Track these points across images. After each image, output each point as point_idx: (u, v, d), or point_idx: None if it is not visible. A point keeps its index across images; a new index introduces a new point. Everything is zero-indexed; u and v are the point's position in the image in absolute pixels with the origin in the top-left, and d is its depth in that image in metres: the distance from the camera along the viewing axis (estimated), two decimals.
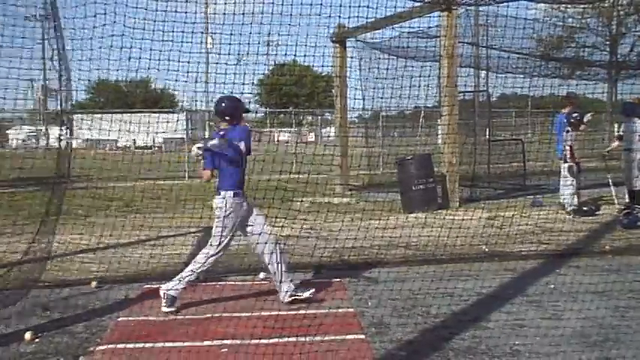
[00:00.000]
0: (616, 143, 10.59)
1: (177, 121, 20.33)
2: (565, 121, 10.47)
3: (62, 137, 5.21)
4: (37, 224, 6.19)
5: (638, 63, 22.28)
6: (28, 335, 4.62)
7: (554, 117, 11.79)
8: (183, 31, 5.49)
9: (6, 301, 5.15)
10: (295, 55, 5.84)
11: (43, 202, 5.77)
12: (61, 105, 5.27)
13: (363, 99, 14.31)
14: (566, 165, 10.22)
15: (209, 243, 5.32)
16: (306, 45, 5.66)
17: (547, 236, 8.31)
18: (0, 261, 6.72)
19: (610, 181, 10.38)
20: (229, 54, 5.68)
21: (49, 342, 4.59)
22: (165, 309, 5.21)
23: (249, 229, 5.36)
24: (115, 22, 5.23)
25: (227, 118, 5.39)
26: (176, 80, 5.88)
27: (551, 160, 11.77)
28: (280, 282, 5.41)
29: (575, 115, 10.30)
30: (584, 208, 10.16)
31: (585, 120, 10.16)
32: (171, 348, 4.36)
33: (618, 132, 10.81)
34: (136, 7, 5.32)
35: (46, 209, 5.35)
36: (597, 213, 10.16)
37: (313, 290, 5.44)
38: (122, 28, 5.37)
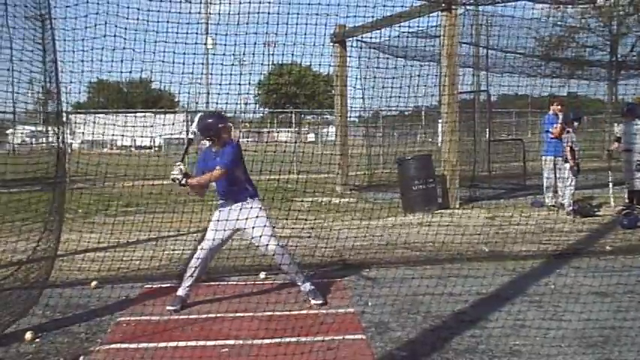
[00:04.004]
0: (615, 145, 10.61)
1: (175, 123, 20.35)
2: (546, 121, 10.68)
3: (60, 137, 5.21)
4: (38, 224, 6.19)
5: (638, 63, 22.29)
6: (28, 335, 4.62)
7: (542, 117, 11.87)
8: (177, 30, 5.47)
9: (21, 303, 5.14)
10: (294, 55, 5.82)
11: (44, 202, 5.76)
12: (59, 105, 5.26)
13: (363, 99, 14.34)
14: (567, 165, 10.24)
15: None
16: (303, 44, 5.67)
17: (547, 236, 8.30)
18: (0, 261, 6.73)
19: (610, 181, 10.38)
20: (232, 54, 5.66)
21: (49, 342, 4.59)
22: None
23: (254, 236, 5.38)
24: (106, 22, 5.22)
25: (212, 136, 5.36)
26: (171, 82, 5.90)
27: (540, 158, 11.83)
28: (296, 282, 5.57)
29: (572, 114, 10.34)
30: (588, 207, 10.19)
31: (575, 123, 10.28)
32: (171, 348, 4.36)
33: (616, 133, 10.82)
34: (128, 7, 5.31)
35: (49, 209, 5.35)
36: (597, 213, 10.16)
37: (320, 301, 5.42)
38: (120, 29, 5.36)
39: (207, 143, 5.44)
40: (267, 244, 5.30)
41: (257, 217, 5.25)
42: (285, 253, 5.42)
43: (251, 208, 5.30)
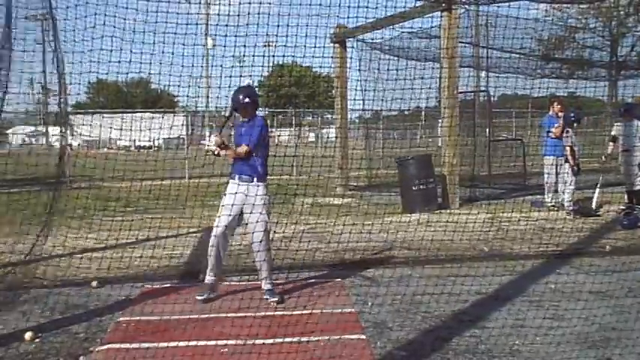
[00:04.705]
0: (611, 145, 10.60)
1: (173, 124, 20.38)
2: (547, 122, 10.69)
3: (59, 137, 5.23)
4: (37, 225, 6.19)
5: (638, 63, 22.29)
6: (28, 335, 4.62)
7: (542, 118, 11.88)
8: (177, 30, 5.46)
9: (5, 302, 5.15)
10: (294, 55, 5.82)
11: (41, 203, 5.77)
12: (60, 105, 5.27)
13: (363, 99, 14.35)
14: (567, 165, 10.24)
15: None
16: (305, 45, 5.64)
17: (547, 236, 8.30)
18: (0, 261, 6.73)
19: (599, 182, 10.36)
20: (232, 54, 5.65)
21: (49, 342, 4.59)
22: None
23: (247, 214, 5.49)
24: (105, 23, 5.20)
25: (236, 109, 5.59)
26: (169, 84, 5.90)
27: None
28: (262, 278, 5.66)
29: (572, 115, 10.34)
30: (588, 207, 10.21)
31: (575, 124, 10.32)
32: (171, 348, 4.36)
33: (611, 133, 10.83)
34: (128, 7, 5.29)
35: (47, 210, 5.36)
36: (597, 213, 10.16)
37: (276, 299, 5.52)
38: (119, 30, 5.35)
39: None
40: (255, 233, 5.41)
41: (260, 202, 5.42)
42: (268, 247, 5.51)
43: (256, 194, 5.45)
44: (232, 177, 5.58)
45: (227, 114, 5.64)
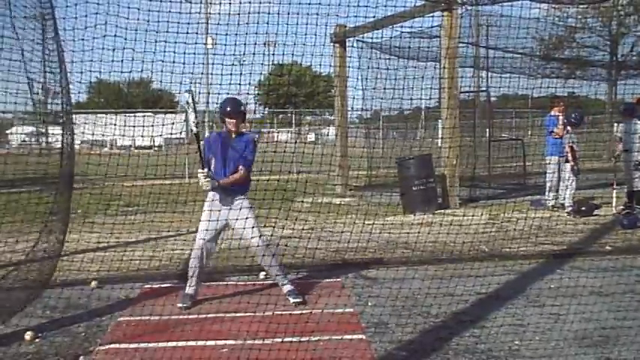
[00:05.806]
0: (620, 146, 10.61)
1: (175, 123, 20.37)
2: (549, 122, 10.67)
3: (66, 138, 5.21)
4: (38, 224, 6.18)
5: (638, 63, 22.30)
6: (28, 335, 4.62)
7: (544, 118, 11.89)
8: (177, 30, 5.45)
9: (16, 302, 5.15)
10: (294, 55, 5.81)
11: (43, 202, 5.76)
12: (65, 105, 5.26)
13: (363, 99, 14.33)
14: (568, 165, 10.25)
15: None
16: (305, 45, 5.64)
17: (547, 236, 8.31)
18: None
19: (615, 183, 10.35)
20: (232, 54, 5.64)
21: (49, 342, 4.59)
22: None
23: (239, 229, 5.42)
24: (106, 22, 5.19)
25: (240, 119, 5.53)
26: (171, 82, 5.89)
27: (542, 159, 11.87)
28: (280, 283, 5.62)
29: (574, 115, 10.35)
30: (583, 208, 10.20)
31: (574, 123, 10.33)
32: (171, 348, 4.36)
33: (616, 133, 10.82)
34: (129, 7, 5.29)
35: (50, 210, 5.35)
36: (596, 213, 10.15)
37: (299, 299, 5.49)
38: (120, 29, 5.34)
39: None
40: (251, 241, 5.38)
41: (246, 215, 5.32)
42: (268, 251, 5.47)
43: (240, 208, 5.36)
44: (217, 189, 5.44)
45: (194, 129, 5.31)
